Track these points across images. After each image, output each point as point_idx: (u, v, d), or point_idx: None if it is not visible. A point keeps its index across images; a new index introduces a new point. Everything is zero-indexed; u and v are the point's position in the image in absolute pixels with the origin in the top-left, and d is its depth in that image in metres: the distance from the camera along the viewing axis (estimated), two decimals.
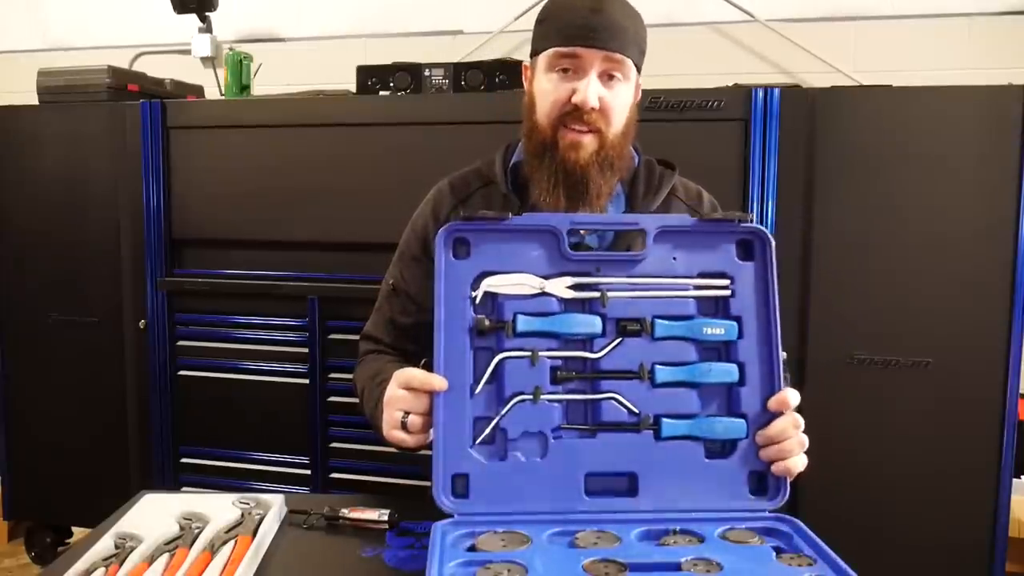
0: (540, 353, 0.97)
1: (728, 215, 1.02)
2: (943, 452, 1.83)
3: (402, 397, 1.00)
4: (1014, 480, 1.84)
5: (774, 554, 0.86)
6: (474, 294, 0.99)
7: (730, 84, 1.96)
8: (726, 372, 0.99)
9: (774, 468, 0.96)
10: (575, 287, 0.99)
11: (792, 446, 0.96)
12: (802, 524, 0.92)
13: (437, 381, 0.95)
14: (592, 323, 0.99)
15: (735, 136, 1.85)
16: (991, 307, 1.79)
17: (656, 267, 1.01)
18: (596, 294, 0.99)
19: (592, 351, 0.99)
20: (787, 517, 0.94)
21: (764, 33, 2.43)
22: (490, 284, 0.99)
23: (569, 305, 1.00)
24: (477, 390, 0.97)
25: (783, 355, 1.00)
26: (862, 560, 0.85)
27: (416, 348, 1.25)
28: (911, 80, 1.91)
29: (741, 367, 0.99)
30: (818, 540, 0.88)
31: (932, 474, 1.84)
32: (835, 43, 2.41)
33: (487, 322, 0.97)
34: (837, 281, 1.84)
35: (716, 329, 0.99)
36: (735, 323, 1.00)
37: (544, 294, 0.99)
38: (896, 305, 1.83)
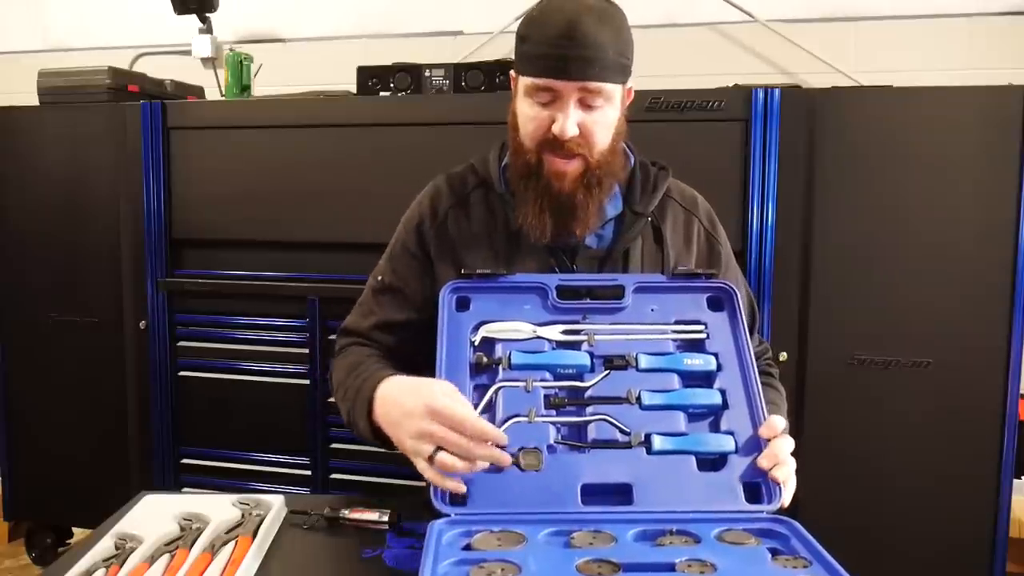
0: (534, 382, 1.03)
1: (695, 271, 1.15)
2: (943, 453, 1.83)
3: (432, 430, 0.93)
4: (1014, 481, 1.83)
5: (769, 556, 0.86)
6: (473, 338, 1.07)
7: (730, 84, 1.95)
8: (709, 396, 1.04)
9: (772, 473, 0.96)
10: (565, 332, 1.08)
11: (788, 464, 0.97)
12: (799, 526, 0.92)
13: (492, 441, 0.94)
14: (581, 358, 1.06)
15: (735, 136, 1.85)
16: (991, 308, 1.79)
17: (637, 316, 1.11)
18: (584, 337, 1.07)
19: (582, 383, 1.04)
20: (784, 519, 0.94)
21: (764, 33, 2.43)
22: (488, 330, 1.08)
23: (559, 345, 1.08)
24: None
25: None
26: (863, 561, 0.85)
27: (403, 345, 1.23)
28: (911, 80, 1.91)
29: (723, 393, 1.04)
30: (814, 542, 0.88)
31: (932, 475, 1.84)
32: (835, 43, 2.41)
33: (485, 359, 1.05)
34: (837, 282, 1.84)
35: (696, 360, 1.06)
36: (713, 356, 1.07)
37: (537, 338, 1.08)
38: (896, 306, 1.83)
